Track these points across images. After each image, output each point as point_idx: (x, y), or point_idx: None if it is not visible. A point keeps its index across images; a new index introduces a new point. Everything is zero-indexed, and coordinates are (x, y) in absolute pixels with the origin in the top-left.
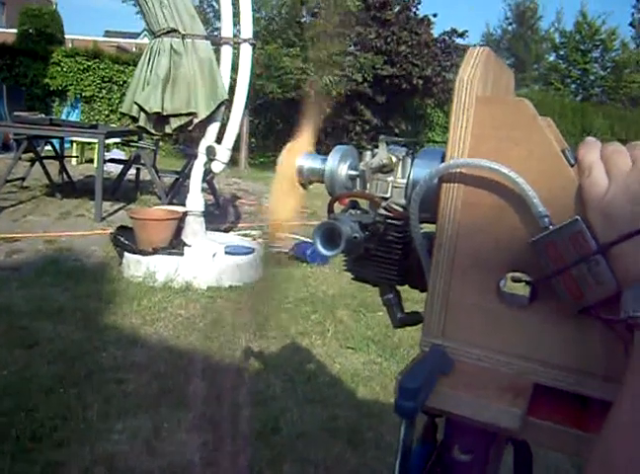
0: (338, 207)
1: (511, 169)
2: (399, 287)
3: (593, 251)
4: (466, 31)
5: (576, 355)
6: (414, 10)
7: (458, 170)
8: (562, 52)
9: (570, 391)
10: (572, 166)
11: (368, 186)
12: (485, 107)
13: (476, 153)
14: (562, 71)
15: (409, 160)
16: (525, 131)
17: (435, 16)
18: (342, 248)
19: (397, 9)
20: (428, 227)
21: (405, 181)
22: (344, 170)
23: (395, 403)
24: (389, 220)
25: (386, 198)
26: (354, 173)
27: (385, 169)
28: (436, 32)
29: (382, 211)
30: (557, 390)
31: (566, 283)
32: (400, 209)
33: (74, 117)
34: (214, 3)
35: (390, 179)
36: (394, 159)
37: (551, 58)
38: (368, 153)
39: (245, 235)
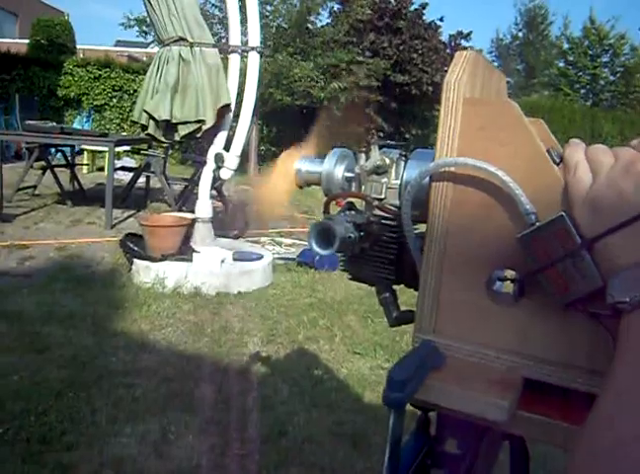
0: (335, 209)
1: (498, 167)
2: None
3: (577, 246)
4: (471, 31)
5: (563, 350)
6: (421, 16)
7: (447, 169)
8: (571, 58)
9: (558, 385)
10: (557, 165)
11: (364, 187)
12: (472, 108)
13: (464, 153)
14: (571, 77)
15: (402, 162)
16: (512, 132)
17: (441, 19)
18: (336, 247)
19: (409, 16)
20: (422, 227)
21: (399, 182)
22: (340, 172)
23: (383, 394)
24: (383, 220)
25: (381, 199)
26: (350, 175)
27: (380, 170)
28: (443, 36)
29: (377, 212)
30: (545, 384)
31: (552, 278)
32: (393, 209)
33: (87, 127)
34: (218, 12)
35: (384, 180)
36: (388, 161)
37: (561, 64)
38: (363, 156)
39: (254, 242)
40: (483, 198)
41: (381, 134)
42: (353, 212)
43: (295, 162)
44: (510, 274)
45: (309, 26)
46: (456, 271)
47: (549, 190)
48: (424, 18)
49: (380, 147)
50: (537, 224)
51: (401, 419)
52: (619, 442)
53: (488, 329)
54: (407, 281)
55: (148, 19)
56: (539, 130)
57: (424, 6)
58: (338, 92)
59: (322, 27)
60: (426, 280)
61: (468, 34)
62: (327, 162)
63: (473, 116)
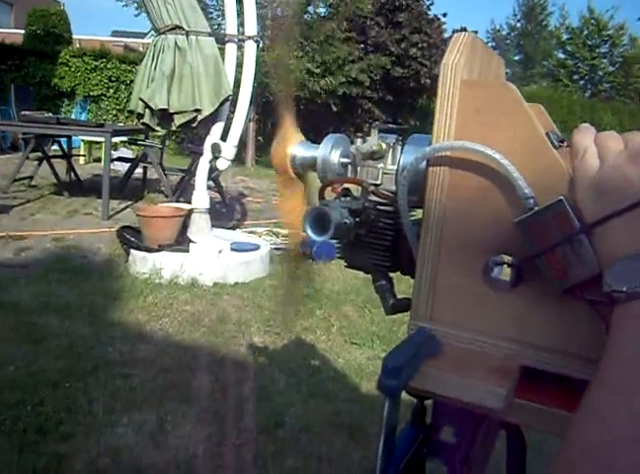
0: (331, 195)
1: (496, 151)
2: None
3: (576, 231)
4: (476, 31)
5: (561, 337)
6: (425, 10)
7: (444, 153)
8: (569, 49)
9: (556, 373)
10: (556, 149)
11: (360, 171)
12: (470, 90)
13: (461, 137)
14: (570, 67)
15: (399, 147)
16: (510, 114)
17: (444, 15)
18: (331, 233)
19: (409, 10)
20: (419, 214)
21: (395, 167)
22: (336, 157)
23: (378, 381)
24: (379, 206)
25: (377, 185)
26: (345, 160)
27: (375, 155)
28: (446, 33)
29: (373, 197)
30: (543, 372)
31: (550, 263)
32: (390, 195)
33: (83, 117)
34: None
35: (380, 165)
36: (384, 146)
37: (560, 55)
38: (359, 140)
39: (251, 232)
40: (480, 182)
41: (379, 122)
42: (348, 198)
43: (289, 148)
44: (507, 259)
45: (307, 18)
46: (453, 256)
47: (548, 173)
48: (428, 13)
49: (380, 131)
50: (536, 208)
51: (396, 406)
52: (620, 443)
53: (485, 316)
54: (403, 268)
55: (143, 7)
56: (538, 115)
57: (431, 2)
58: (335, 86)
59: (321, 17)
60: (422, 266)
61: (474, 33)
62: (322, 147)
63: (470, 98)
